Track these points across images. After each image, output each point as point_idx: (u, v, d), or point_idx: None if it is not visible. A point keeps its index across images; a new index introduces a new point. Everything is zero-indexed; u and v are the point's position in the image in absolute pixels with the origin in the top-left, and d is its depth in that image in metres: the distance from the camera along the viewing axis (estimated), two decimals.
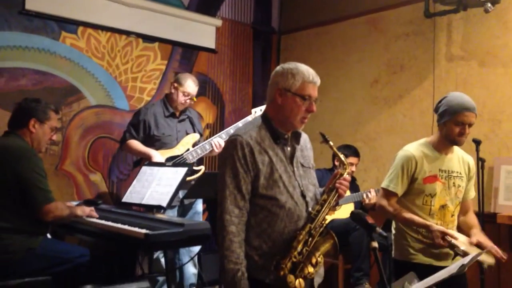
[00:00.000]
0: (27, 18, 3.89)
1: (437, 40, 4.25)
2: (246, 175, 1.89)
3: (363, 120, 4.75)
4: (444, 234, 2.45)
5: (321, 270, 2.02)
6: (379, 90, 4.65)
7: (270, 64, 5.45)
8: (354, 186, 4.34)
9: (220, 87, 5.11)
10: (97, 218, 3.02)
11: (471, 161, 2.74)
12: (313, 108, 1.97)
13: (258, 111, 3.95)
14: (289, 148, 2.01)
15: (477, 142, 3.43)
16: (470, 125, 2.54)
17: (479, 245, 2.53)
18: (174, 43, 4.72)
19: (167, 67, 4.70)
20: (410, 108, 4.43)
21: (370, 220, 1.84)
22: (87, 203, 3.32)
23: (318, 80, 1.99)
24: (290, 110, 1.95)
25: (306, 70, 1.98)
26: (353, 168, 4.25)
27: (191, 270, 4.00)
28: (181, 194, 3.60)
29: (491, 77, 3.95)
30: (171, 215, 3.64)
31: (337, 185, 1.97)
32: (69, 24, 4.11)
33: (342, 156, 2.06)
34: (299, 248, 1.85)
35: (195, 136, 3.93)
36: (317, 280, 2.00)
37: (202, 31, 4.91)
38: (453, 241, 2.44)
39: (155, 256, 3.80)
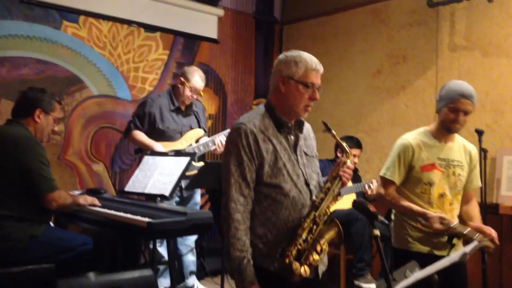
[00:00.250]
0: (28, 7, 3.88)
1: (440, 30, 4.23)
2: (251, 163, 1.88)
3: (366, 111, 4.75)
4: (441, 219, 2.45)
5: (325, 258, 2.03)
6: (382, 81, 4.64)
7: (272, 54, 5.43)
8: (356, 177, 4.34)
9: (222, 77, 5.10)
10: (99, 207, 3.02)
11: (474, 150, 2.71)
12: (316, 96, 1.97)
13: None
14: (292, 137, 2.01)
15: (479, 133, 3.42)
16: (465, 113, 2.50)
17: (478, 230, 2.52)
18: (176, 33, 4.71)
19: (169, 57, 4.69)
20: (413, 98, 4.42)
21: (372, 209, 1.84)
22: (90, 192, 3.33)
23: (321, 68, 1.98)
24: (293, 98, 1.95)
25: (309, 57, 1.97)
26: (356, 160, 4.24)
27: (190, 258, 4.01)
28: (183, 184, 3.61)
29: (494, 67, 3.94)
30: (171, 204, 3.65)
31: (340, 173, 1.97)
32: (71, 13, 4.10)
33: (344, 145, 2.06)
34: (304, 235, 1.85)
35: (199, 132, 3.91)
36: (321, 268, 2.00)
37: (204, 21, 4.90)
38: (452, 224, 2.45)
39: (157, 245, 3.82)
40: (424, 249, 2.56)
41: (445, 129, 2.58)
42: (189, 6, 4.77)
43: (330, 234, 1.89)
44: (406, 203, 2.56)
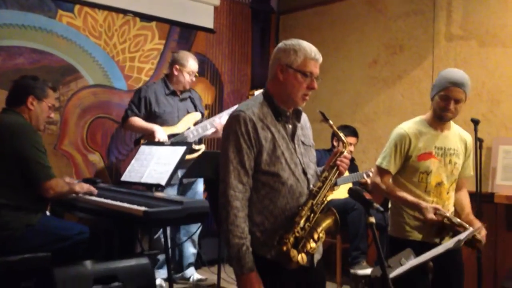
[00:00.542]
0: None
1: (437, 20, 4.23)
2: (250, 151, 1.89)
3: (362, 100, 4.75)
4: (436, 210, 2.46)
5: (320, 247, 2.04)
6: (378, 71, 4.64)
7: (269, 44, 5.41)
8: (352, 167, 4.35)
9: (219, 67, 5.08)
10: (96, 196, 3.02)
11: (469, 138, 2.71)
12: (315, 85, 1.97)
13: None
14: (290, 126, 2.01)
15: (475, 122, 3.43)
16: (456, 101, 2.49)
17: (470, 224, 2.54)
18: (172, 23, 4.68)
19: (165, 47, 4.67)
20: (409, 88, 4.42)
21: (368, 197, 1.84)
22: (86, 182, 3.32)
23: (320, 57, 1.98)
24: (292, 86, 1.95)
25: (309, 47, 1.97)
26: (352, 148, 4.26)
27: (190, 250, 4.03)
28: (180, 173, 3.61)
29: (491, 57, 3.94)
30: (171, 193, 3.65)
31: (338, 162, 1.98)
32: (66, 2, 4.07)
33: (341, 134, 2.06)
34: (302, 223, 1.85)
35: (197, 115, 3.94)
36: (317, 257, 2.01)
37: (200, 10, 4.87)
38: (447, 213, 2.47)
39: (156, 236, 3.82)
40: (421, 237, 2.56)
41: (437, 117, 2.58)
42: None
43: (327, 222, 1.90)
44: (401, 193, 2.56)
